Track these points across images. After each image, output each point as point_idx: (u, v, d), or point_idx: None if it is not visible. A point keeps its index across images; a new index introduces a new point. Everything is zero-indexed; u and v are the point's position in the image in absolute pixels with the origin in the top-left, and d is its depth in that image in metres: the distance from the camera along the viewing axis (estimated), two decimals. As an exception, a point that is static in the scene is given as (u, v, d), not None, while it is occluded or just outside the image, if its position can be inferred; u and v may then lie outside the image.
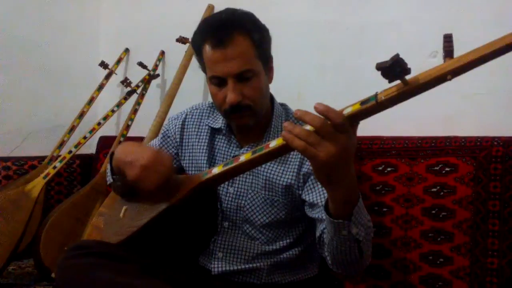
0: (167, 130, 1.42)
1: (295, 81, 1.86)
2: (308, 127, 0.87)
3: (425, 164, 1.41)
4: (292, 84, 1.83)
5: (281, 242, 1.28)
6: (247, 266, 1.26)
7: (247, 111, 1.20)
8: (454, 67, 0.78)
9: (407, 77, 0.80)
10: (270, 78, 1.28)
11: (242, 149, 1.29)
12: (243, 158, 1.02)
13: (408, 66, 0.77)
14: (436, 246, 1.37)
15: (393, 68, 0.77)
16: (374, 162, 1.48)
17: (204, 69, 1.26)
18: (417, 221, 1.40)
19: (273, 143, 0.96)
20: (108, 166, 1.33)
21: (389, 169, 1.46)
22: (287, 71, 1.77)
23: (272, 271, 1.27)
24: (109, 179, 1.34)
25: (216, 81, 1.20)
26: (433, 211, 1.37)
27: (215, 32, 1.17)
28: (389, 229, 1.44)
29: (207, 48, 1.18)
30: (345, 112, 0.86)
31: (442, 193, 1.37)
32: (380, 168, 1.47)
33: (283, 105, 1.36)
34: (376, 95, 0.85)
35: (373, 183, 1.48)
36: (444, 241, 1.36)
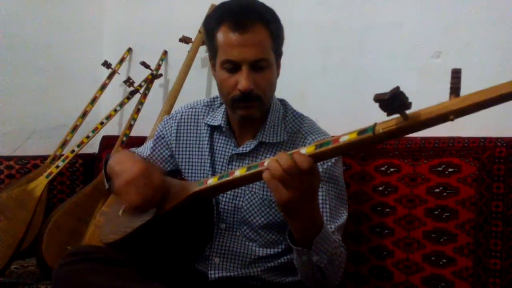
0: (161, 131, 1.38)
1: (298, 81, 1.85)
2: (304, 150, 0.89)
3: (428, 164, 1.40)
4: (295, 84, 1.83)
5: (279, 245, 1.26)
6: (244, 271, 1.24)
7: (256, 102, 1.17)
8: (457, 108, 0.72)
9: (409, 109, 0.74)
10: (277, 74, 1.26)
11: (239, 149, 1.26)
12: (237, 173, 0.99)
13: (409, 101, 0.72)
14: (439, 246, 1.36)
15: (392, 102, 0.71)
16: (377, 162, 1.48)
17: (212, 55, 1.21)
18: (420, 221, 1.39)
19: (268, 162, 0.93)
20: (104, 172, 1.32)
21: (392, 169, 1.45)
22: (290, 71, 1.75)
23: (270, 275, 1.25)
24: (106, 185, 1.34)
25: (229, 66, 1.16)
26: (436, 212, 1.37)
27: (235, 15, 1.14)
28: (392, 229, 1.43)
29: (224, 31, 1.14)
30: (342, 140, 0.84)
31: (445, 194, 1.36)
32: (383, 169, 1.47)
33: (282, 101, 1.34)
34: (374, 126, 0.81)
35: (375, 183, 1.47)
36: (447, 242, 1.35)
